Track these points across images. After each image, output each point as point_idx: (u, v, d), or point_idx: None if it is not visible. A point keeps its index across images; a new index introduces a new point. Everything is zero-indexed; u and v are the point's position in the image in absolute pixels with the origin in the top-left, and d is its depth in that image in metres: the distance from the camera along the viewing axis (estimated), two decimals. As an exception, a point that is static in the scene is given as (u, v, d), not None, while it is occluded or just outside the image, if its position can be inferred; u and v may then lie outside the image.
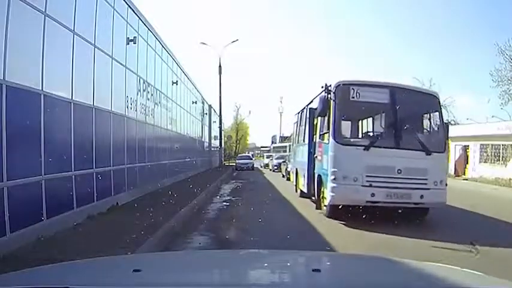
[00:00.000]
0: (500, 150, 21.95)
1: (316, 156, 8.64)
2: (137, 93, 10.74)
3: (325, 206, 7.93)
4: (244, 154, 41.37)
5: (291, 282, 1.70)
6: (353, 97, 7.39)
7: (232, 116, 55.88)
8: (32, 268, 1.91)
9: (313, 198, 9.09)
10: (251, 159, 34.40)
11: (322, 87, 7.70)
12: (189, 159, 19.72)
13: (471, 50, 59.56)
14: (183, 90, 18.75)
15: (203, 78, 55.63)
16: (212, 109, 30.89)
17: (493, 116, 26.58)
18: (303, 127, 10.98)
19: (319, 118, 8.38)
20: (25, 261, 3.80)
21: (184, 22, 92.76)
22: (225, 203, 10.77)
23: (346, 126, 9.31)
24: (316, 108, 8.50)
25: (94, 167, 7.53)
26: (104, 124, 8.22)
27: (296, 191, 12.13)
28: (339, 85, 7.48)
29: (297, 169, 12.10)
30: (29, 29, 5.51)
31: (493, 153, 22.47)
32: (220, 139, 32.67)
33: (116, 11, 9.01)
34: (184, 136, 19.18)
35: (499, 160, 21.96)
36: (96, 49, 7.72)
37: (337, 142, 7.33)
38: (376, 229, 6.61)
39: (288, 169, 17.91)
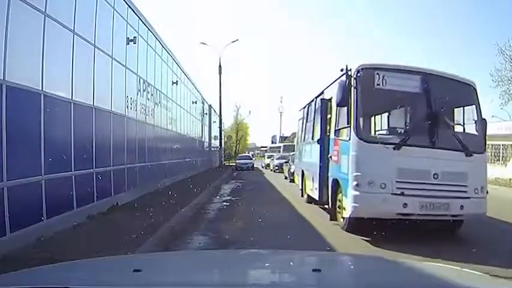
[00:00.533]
0: (500, 150, 21.95)
1: (330, 157, 7.28)
2: (137, 93, 10.74)
3: (342, 217, 6.59)
4: (244, 154, 41.38)
5: (291, 282, 1.70)
6: (378, 84, 6.15)
7: (232, 116, 55.91)
8: (32, 268, 1.91)
9: (327, 206, 7.75)
10: (251, 159, 34.43)
11: (342, 70, 6.41)
12: (189, 159, 19.72)
13: (471, 50, 59.70)
14: (183, 90, 18.76)
15: (203, 78, 55.70)
16: (212, 109, 30.89)
17: (493, 116, 26.54)
18: (311, 123, 9.74)
19: (335, 110, 7.04)
20: (25, 261, 3.79)
21: (184, 22, 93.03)
22: (225, 203, 10.76)
23: (370, 120, 8.12)
24: (329, 99, 7.40)
25: (94, 167, 7.53)
26: (104, 124, 8.22)
27: (302, 195, 10.85)
28: (361, 69, 6.24)
29: (303, 171, 10.78)
30: (29, 29, 5.51)
31: (493, 153, 22.45)
32: (220, 139, 32.69)
33: (116, 11, 9.01)
34: (184, 136, 19.18)
35: (499, 160, 21.96)
36: (96, 49, 7.72)
37: (360, 139, 6.03)
38: (410, 249, 5.11)
39: (292, 170, 16.48)
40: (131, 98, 10.16)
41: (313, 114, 9.66)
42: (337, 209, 6.91)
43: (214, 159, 31.30)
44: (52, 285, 1.39)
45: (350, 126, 6.15)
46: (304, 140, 10.97)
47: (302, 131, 11.36)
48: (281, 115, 63.68)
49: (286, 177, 20.32)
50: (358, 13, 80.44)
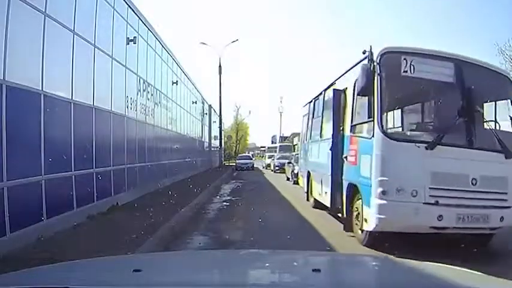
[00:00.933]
0: (500, 150, 21.91)
1: (345, 157, 6.32)
2: (137, 93, 10.74)
3: (361, 230, 5.59)
4: (244, 154, 41.45)
5: (291, 282, 1.70)
6: (405, 71, 5.23)
7: (232, 116, 55.94)
8: (32, 268, 1.91)
9: (341, 215, 6.74)
10: (251, 159, 34.53)
11: (364, 52, 5.55)
12: (189, 159, 19.73)
13: (471, 49, 59.72)
14: (183, 90, 18.76)
15: (203, 78, 55.59)
16: (212, 109, 30.91)
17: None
18: (319, 118, 8.79)
19: (352, 102, 6.19)
20: (25, 261, 3.79)
21: (184, 22, 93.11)
22: (225, 203, 10.76)
23: (396, 113, 7.26)
24: (343, 90, 6.67)
25: (94, 167, 7.53)
26: (104, 124, 8.22)
27: (308, 199, 9.96)
28: (385, 53, 5.33)
29: (309, 172, 9.77)
30: (29, 29, 5.51)
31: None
32: (220, 139, 32.70)
33: (116, 11, 9.02)
34: (184, 136, 19.19)
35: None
36: (96, 49, 7.72)
37: (386, 136, 5.14)
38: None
39: (296, 171, 15.26)
40: (131, 98, 10.16)
41: (321, 108, 8.72)
42: (354, 219, 5.94)
43: (214, 159, 31.31)
44: (52, 285, 1.39)
45: (373, 121, 5.21)
46: (310, 138, 9.94)
47: (308, 128, 10.34)
48: (281, 115, 63.88)
49: (288, 179, 18.90)
50: (359, 13, 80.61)
